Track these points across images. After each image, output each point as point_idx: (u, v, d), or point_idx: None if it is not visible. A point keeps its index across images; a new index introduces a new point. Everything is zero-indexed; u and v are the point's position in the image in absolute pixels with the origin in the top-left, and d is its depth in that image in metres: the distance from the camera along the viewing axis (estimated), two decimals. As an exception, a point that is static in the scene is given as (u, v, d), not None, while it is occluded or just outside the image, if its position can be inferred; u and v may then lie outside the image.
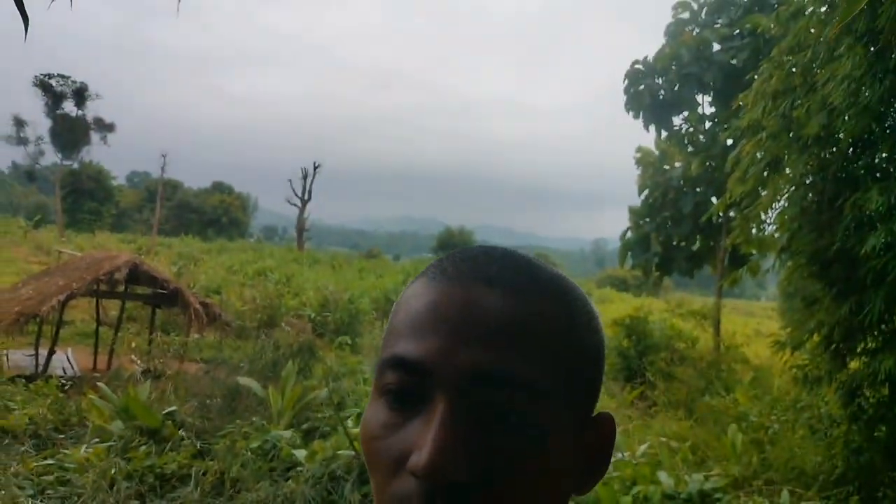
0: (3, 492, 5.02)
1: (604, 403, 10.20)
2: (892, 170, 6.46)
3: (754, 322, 23.05)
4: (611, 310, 20.76)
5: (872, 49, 5.50)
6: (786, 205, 7.40)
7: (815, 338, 6.88)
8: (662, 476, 5.48)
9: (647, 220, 15.85)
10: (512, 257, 0.62)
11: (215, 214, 53.18)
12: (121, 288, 12.33)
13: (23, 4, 1.05)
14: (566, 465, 0.58)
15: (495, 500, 0.54)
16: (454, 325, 0.56)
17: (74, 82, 45.51)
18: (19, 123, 46.29)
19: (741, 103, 7.71)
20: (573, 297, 0.62)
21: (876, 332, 6.42)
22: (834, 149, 6.73)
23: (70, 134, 44.89)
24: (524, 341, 0.56)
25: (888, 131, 6.40)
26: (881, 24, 5.26)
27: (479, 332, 0.56)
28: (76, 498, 5.17)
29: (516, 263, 0.61)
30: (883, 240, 5.58)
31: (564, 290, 0.62)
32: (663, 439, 7.74)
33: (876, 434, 6.53)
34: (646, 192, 15.87)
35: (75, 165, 47.85)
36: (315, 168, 44.01)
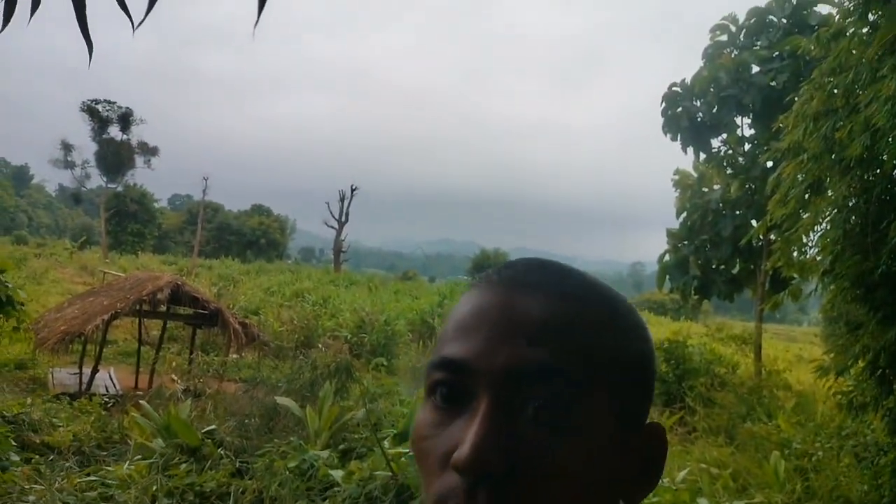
0: (47, 507, 5.12)
1: (642, 428, 10.06)
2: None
3: (796, 347, 22.59)
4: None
5: (916, 69, 5.42)
6: (828, 227, 7.29)
7: (860, 363, 6.73)
8: (703, 503, 5.39)
9: (686, 242, 15.70)
10: (555, 265, 0.65)
11: (254, 236, 53.91)
12: (163, 308, 12.56)
13: (88, 32, 1.12)
14: (607, 465, 0.59)
15: (535, 493, 0.55)
16: (494, 325, 0.59)
17: (120, 108, 46.77)
18: (67, 147, 47.70)
19: (781, 125, 7.64)
20: (617, 304, 0.64)
21: (923, 358, 6.26)
22: (878, 171, 6.63)
23: (115, 158, 46.05)
24: (562, 340, 0.58)
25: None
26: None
27: (518, 331, 0.59)
28: (118, 514, 5.25)
29: (558, 270, 0.64)
30: (929, 263, 5.48)
31: (607, 297, 0.64)
32: (703, 465, 7.61)
33: (924, 462, 6.36)
34: (684, 214, 15.73)
35: (119, 188, 49.01)
36: (353, 191, 44.48)
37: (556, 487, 0.56)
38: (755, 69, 14.36)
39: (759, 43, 14.69)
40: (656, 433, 0.65)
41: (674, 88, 15.34)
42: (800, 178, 7.20)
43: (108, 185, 48.27)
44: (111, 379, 12.28)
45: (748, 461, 8.10)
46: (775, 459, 7.40)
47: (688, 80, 15.19)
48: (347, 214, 44.51)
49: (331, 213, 44.16)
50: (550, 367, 0.57)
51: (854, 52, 6.30)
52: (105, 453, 7.69)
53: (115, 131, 46.85)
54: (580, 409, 0.57)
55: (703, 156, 15.30)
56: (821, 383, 7.83)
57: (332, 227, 44.32)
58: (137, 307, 11.88)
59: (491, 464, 0.54)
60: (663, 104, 15.35)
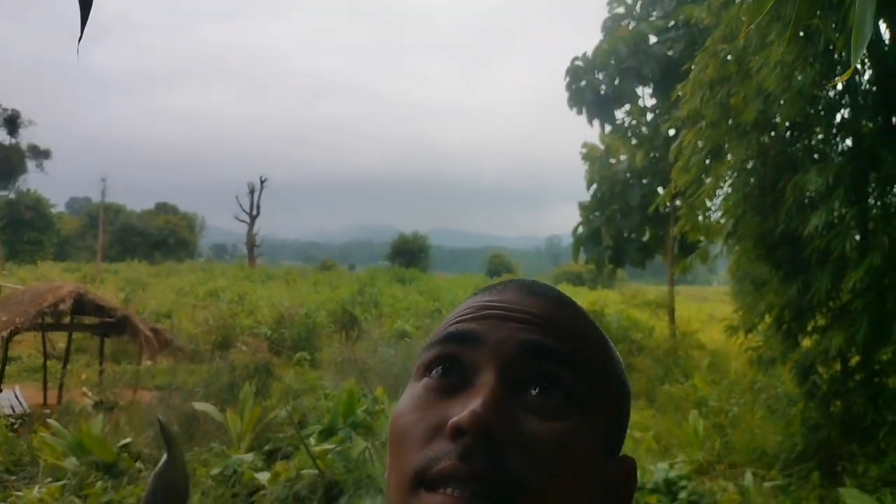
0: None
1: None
2: (828, 151, 6.63)
3: (708, 307, 23.48)
4: (567, 305, 20.90)
5: (802, 34, 5.62)
6: (729, 191, 7.54)
7: (767, 319, 7.02)
8: (628, 468, 5.50)
9: (597, 213, 16.04)
10: (555, 288, 0.67)
11: (161, 236, 52.04)
12: (66, 319, 11.97)
13: None
14: (590, 484, 0.58)
15: (528, 467, 0.53)
16: (502, 312, 0.61)
17: (6, 110, 44.18)
18: (-51, 156, 44.76)
19: (680, 94, 7.83)
20: (604, 335, 0.66)
21: (824, 310, 6.57)
22: (772, 133, 6.89)
23: (4, 163, 43.56)
24: (564, 333, 0.60)
25: (822, 113, 6.57)
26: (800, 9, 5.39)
27: (526, 317, 0.60)
28: (31, 542, 4.96)
29: (559, 292, 0.67)
30: (824, 219, 5.72)
31: (598, 327, 0.66)
32: (627, 431, 7.81)
33: (831, 410, 6.68)
34: (594, 186, 16.05)
35: (12, 195, 46.43)
36: (262, 182, 43.52)
37: (556, 471, 0.54)
38: (653, 39, 14.72)
39: (654, 13, 15.05)
40: (629, 466, 0.63)
41: (576, 62, 15.57)
42: (700, 145, 7.40)
43: (0, 193, 45.68)
44: (17, 397, 11.61)
45: (669, 422, 8.36)
46: (694, 418, 7.65)
47: (589, 54, 15.43)
48: (259, 207, 43.58)
49: (241, 206, 43.15)
50: (559, 352, 0.58)
51: (743, 18, 6.48)
52: (14, 477, 7.25)
53: (1, 135, 44.30)
54: (578, 405, 0.57)
55: (608, 128, 15.62)
56: (733, 341, 8.14)
57: (244, 222, 43.31)
58: (39, 320, 11.26)
59: (495, 427, 0.53)
60: (567, 78, 15.57)
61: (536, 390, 0.57)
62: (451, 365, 0.59)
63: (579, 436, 0.57)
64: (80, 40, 0.64)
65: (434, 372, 0.59)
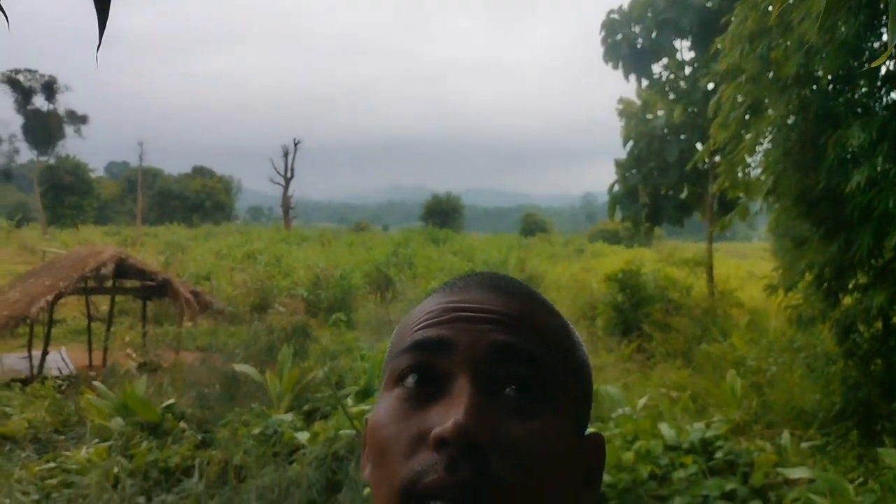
0: (8, 499, 5.00)
1: (602, 359, 10.24)
2: (872, 105, 6.41)
3: (748, 264, 23.14)
4: (604, 263, 20.77)
5: (847, -18, 5.40)
6: (769, 147, 7.36)
7: (807, 277, 6.89)
8: (664, 428, 5.50)
9: (634, 171, 15.78)
10: (517, 280, 0.68)
11: (198, 199, 52.72)
12: (109, 283, 12.25)
13: None
14: (567, 466, 0.59)
15: (512, 468, 0.54)
16: (469, 315, 0.61)
17: (43, 76, 44.79)
18: (-9, 123, 45.63)
19: (719, 47, 7.61)
20: (567, 321, 0.67)
21: (866, 268, 6.42)
22: (814, 87, 6.67)
23: (43, 129, 44.29)
24: (532, 331, 0.61)
25: (866, 66, 6.33)
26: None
27: (493, 317, 0.61)
28: (81, 500, 5.15)
29: (519, 283, 0.67)
30: (867, 176, 5.55)
31: (559, 313, 0.67)
32: (663, 390, 7.79)
33: (872, 369, 6.58)
34: (630, 143, 15.78)
35: (52, 161, 47.27)
36: (296, 145, 43.65)
37: (540, 471, 0.56)
38: (690, -10, 14.27)
39: (691, -36, 14.57)
40: (597, 442, 0.66)
41: (612, 16, 15.19)
42: (739, 100, 7.22)
43: (40, 159, 46.52)
44: (63, 360, 11.98)
45: (706, 382, 8.31)
46: (731, 378, 7.59)
47: (625, 7, 15.05)
48: (293, 170, 43.77)
49: (275, 169, 43.38)
50: (526, 347, 0.59)
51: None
52: (63, 438, 7.51)
53: (40, 101, 44.97)
54: (553, 398, 0.59)
55: (645, 82, 15.28)
56: (772, 300, 8.03)
57: (279, 184, 43.59)
58: (83, 284, 11.54)
59: (478, 434, 0.53)
60: (603, 32, 15.21)
61: (511, 390, 0.58)
62: (424, 373, 0.59)
63: (557, 430, 0.58)
64: (98, 48, 0.64)
65: (407, 381, 0.59)
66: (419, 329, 0.61)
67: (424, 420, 0.56)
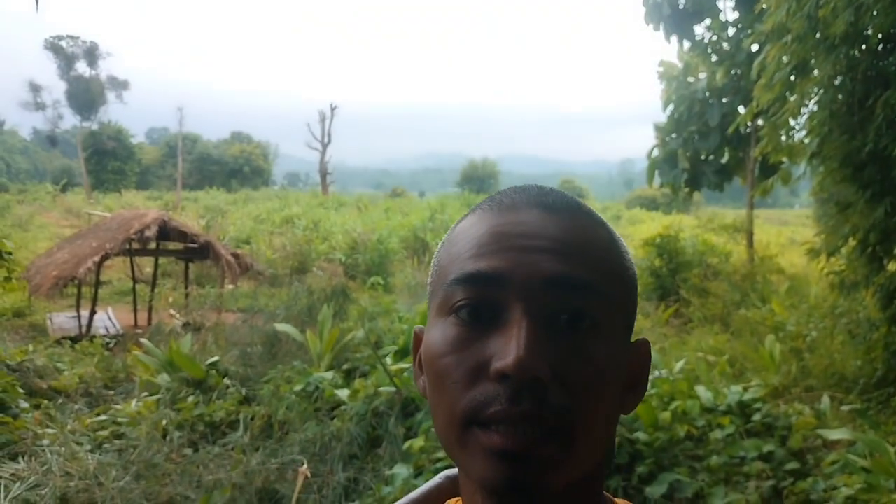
0: (63, 448, 5.21)
1: (639, 324, 10.21)
2: (925, 64, 6.23)
3: (788, 231, 22.78)
4: (641, 230, 20.61)
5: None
6: (815, 109, 7.20)
7: (851, 242, 6.78)
8: (700, 390, 5.50)
9: (674, 135, 15.54)
10: (561, 192, 0.68)
11: (237, 165, 53.27)
12: (152, 245, 12.53)
13: None
14: (620, 376, 0.63)
15: (571, 397, 0.58)
16: (521, 242, 0.61)
17: (84, 42, 45.37)
18: (35, 89, 46.44)
19: (764, 6, 7.42)
20: (613, 230, 0.68)
21: (913, 233, 6.30)
22: (863, 46, 6.49)
23: (86, 95, 44.99)
24: (585, 255, 0.62)
25: (920, 23, 6.14)
26: None
27: (546, 245, 0.61)
28: (132, 449, 5.35)
29: (565, 195, 0.67)
30: (918, 137, 5.43)
31: (606, 224, 0.68)
32: (700, 354, 7.77)
33: (917, 335, 6.48)
34: (671, 107, 15.52)
35: (95, 126, 48.05)
36: (332, 110, 43.72)
37: (593, 393, 0.59)
38: (735, -51, 13.87)
39: (737, -80, 14.13)
40: (645, 348, 0.69)
41: (653, -24, 14.85)
42: (784, 60, 7.05)
43: (83, 124, 47.32)
44: (110, 319, 12.34)
45: (744, 347, 8.26)
46: (770, 343, 7.53)
47: (667, -33, 14.69)
48: (330, 135, 43.91)
49: (313, 134, 43.55)
50: (581, 277, 0.60)
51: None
52: (112, 392, 7.79)
53: (82, 67, 45.61)
54: (605, 320, 0.61)
55: (687, 44, 14.97)
56: (813, 265, 7.91)
57: (316, 150, 43.79)
58: (127, 246, 11.83)
59: (537, 369, 0.56)
60: (643, -7, 14.89)
61: (565, 319, 0.59)
62: (478, 305, 0.60)
63: (608, 351, 0.61)
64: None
65: (462, 312, 0.61)
66: (470, 258, 0.62)
67: (483, 350, 0.58)
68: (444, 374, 0.60)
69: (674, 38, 14.82)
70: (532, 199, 0.65)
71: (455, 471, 0.80)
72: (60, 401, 7.15)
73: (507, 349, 0.56)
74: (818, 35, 6.58)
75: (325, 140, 43.65)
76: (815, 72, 6.93)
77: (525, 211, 0.63)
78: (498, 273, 0.60)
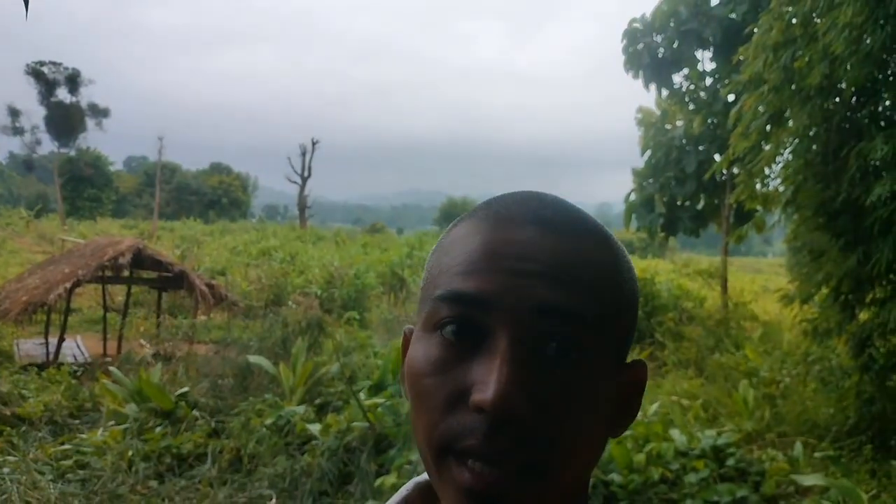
0: (24, 477, 5.06)
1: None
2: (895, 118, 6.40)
3: (762, 279, 23.02)
4: (616, 273, 20.65)
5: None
6: (790, 158, 7.34)
7: (824, 290, 6.87)
8: (675, 433, 5.50)
9: (651, 180, 15.75)
10: (562, 203, 0.63)
11: (215, 196, 53.06)
12: (126, 273, 12.35)
13: None
14: (608, 405, 0.60)
15: (552, 432, 0.55)
16: (513, 264, 0.57)
17: (67, 69, 45.25)
18: (14, 113, 46.08)
19: (741, 57, 7.60)
20: (616, 246, 0.64)
21: (884, 282, 6.41)
22: (837, 99, 6.66)
23: (65, 121, 44.71)
24: (579, 280, 0.58)
25: (891, 78, 6.33)
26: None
27: (538, 269, 0.57)
28: (96, 480, 5.22)
29: (567, 208, 0.63)
30: (889, 189, 5.55)
31: (609, 238, 0.64)
32: (674, 398, 7.77)
33: (887, 384, 6.55)
34: (648, 152, 15.76)
35: (72, 153, 47.69)
36: (314, 144, 43.83)
37: (571, 425, 0.56)
38: (715, 1, 14.26)
39: (716, -25, 14.54)
40: (640, 369, 0.65)
41: (634, 24, 15.19)
42: (761, 110, 7.20)
43: (61, 150, 46.95)
44: (79, 347, 12.11)
45: (718, 391, 8.28)
46: (744, 388, 7.57)
47: (648, 16, 15.05)
48: (310, 169, 43.93)
49: (293, 168, 43.56)
50: (570, 305, 0.57)
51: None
52: (78, 421, 7.60)
53: (63, 94, 45.43)
54: (594, 349, 0.58)
55: (665, 92, 15.27)
56: (786, 312, 8.00)
57: (296, 183, 43.76)
58: (100, 273, 11.66)
59: (517, 405, 0.53)
60: (624, 41, 15.20)
61: (553, 349, 0.56)
62: (463, 325, 0.57)
63: (598, 386, 0.58)
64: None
65: (446, 330, 0.58)
66: (459, 274, 0.59)
67: (464, 375, 0.56)
68: (424, 396, 0.58)
69: (652, 86, 15.13)
70: (530, 213, 0.60)
71: (423, 478, 0.78)
72: (24, 428, 6.96)
73: (488, 381, 0.53)
74: (794, 86, 6.75)
75: (305, 174, 43.66)
76: (791, 122, 7.09)
77: (521, 227, 0.59)
78: (486, 295, 0.57)
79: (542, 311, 0.56)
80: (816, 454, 6.00)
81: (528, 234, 0.59)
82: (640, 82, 15.14)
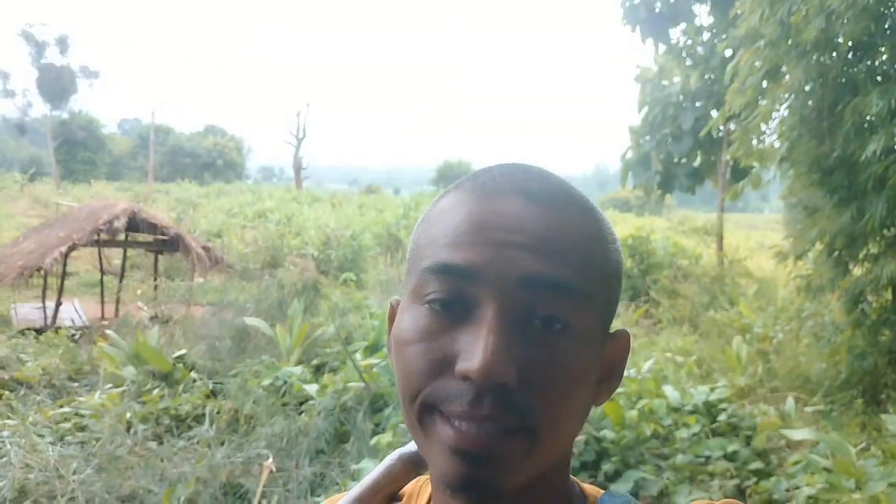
0: (23, 440, 5.11)
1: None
2: (892, 72, 6.34)
3: (758, 235, 23.05)
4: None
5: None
6: (785, 114, 7.29)
7: (818, 246, 6.89)
8: (668, 389, 5.55)
9: (648, 138, 15.67)
10: (547, 174, 0.64)
11: (210, 158, 52.74)
12: (121, 236, 12.34)
13: None
14: (593, 373, 0.62)
15: (537, 399, 0.56)
16: (499, 235, 0.58)
17: (55, 30, 44.62)
18: (4, 76, 45.58)
19: (738, 11, 7.50)
20: (600, 216, 0.65)
21: (878, 238, 6.42)
22: (833, 53, 6.59)
23: (57, 83, 44.24)
24: (564, 251, 0.59)
25: (888, 33, 6.25)
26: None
27: (524, 240, 0.58)
28: (95, 442, 5.26)
29: (552, 180, 0.63)
30: (883, 144, 5.52)
31: (593, 209, 0.64)
32: (668, 355, 7.84)
33: (879, 338, 6.59)
34: (645, 109, 15.65)
35: (65, 116, 47.28)
36: (307, 106, 43.50)
37: (556, 393, 0.57)
38: (711, -45, 14.02)
39: (714, -73, 14.27)
40: (623, 338, 0.67)
41: (630, -22, 14.96)
42: (757, 65, 7.13)
43: (53, 113, 46.54)
44: (76, 310, 12.14)
45: (711, 348, 8.35)
46: (737, 344, 7.62)
47: (644, -30, 14.81)
48: (304, 130, 43.69)
49: (288, 130, 43.28)
50: (558, 276, 0.58)
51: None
52: (76, 385, 7.65)
53: (54, 55, 44.89)
54: (580, 319, 0.59)
55: (662, 47, 15.10)
56: (781, 268, 8.03)
57: (291, 144, 43.53)
58: (95, 237, 11.65)
59: (503, 375, 0.55)
60: (621, -5, 14.99)
61: (539, 319, 0.57)
62: (450, 297, 0.58)
63: (583, 355, 0.59)
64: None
65: (433, 303, 0.59)
66: (446, 245, 0.59)
67: (451, 344, 0.57)
68: (409, 362, 0.59)
69: (650, 42, 14.96)
70: (515, 184, 0.61)
71: (407, 449, 0.79)
72: (22, 392, 7.01)
73: (474, 350, 0.55)
74: (790, 41, 6.67)
75: (300, 135, 43.42)
76: (787, 77, 7.02)
77: (506, 199, 0.60)
78: (473, 267, 0.57)
79: (529, 282, 0.57)
80: (808, 409, 6.07)
81: (514, 206, 0.60)
82: (638, 38, 14.98)
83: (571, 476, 0.69)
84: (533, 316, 0.57)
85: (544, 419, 0.57)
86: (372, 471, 0.80)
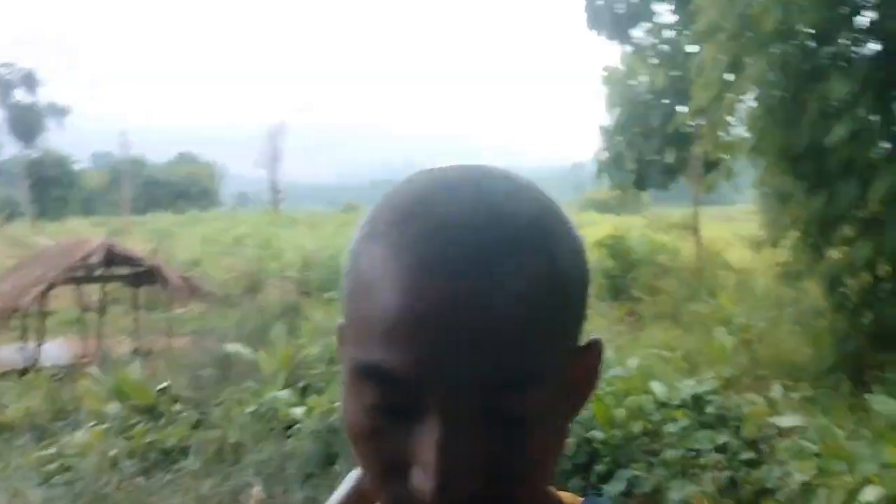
0: (6, 483, 5.02)
1: (594, 324, 10.29)
2: (854, 57, 6.43)
3: (734, 226, 23.19)
4: (593, 233, 20.76)
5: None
6: (752, 105, 7.37)
7: (793, 233, 6.95)
8: (655, 385, 5.55)
9: (619, 138, 15.78)
10: (489, 203, 0.52)
11: (184, 186, 52.47)
12: (98, 272, 12.21)
13: None
14: (563, 411, 0.56)
15: (508, 486, 0.52)
16: (439, 329, 0.49)
17: (21, 69, 44.35)
18: (-28, 118, 45.15)
19: (698, 6, 7.59)
20: (556, 238, 0.54)
21: (851, 221, 6.48)
22: (794, 42, 6.67)
23: (25, 122, 43.90)
24: (517, 332, 0.50)
25: (847, 17, 6.35)
26: None
27: (468, 335, 0.49)
28: (81, 481, 5.18)
29: (495, 212, 0.52)
30: (849, 128, 5.59)
31: (546, 234, 0.54)
32: (654, 350, 7.84)
33: (861, 321, 6.65)
34: (615, 109, 15.77)
35: (36, 155, 46.89)
36: (281, 127, 43.43)
37: (533, 472, 0.53)
38: (669, -47, 14.18)
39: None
40: (597, 350, 0.61)
41: (591, -18, 15.09)
42: (720, 59, 7.21)
43: (24, 152, 46.12)
44: (59, 349, 11.98)
45: (695, 341, 8.37)
46: (721, 335, 7.66)
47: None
48: (279, 152, 43.57)
49: (261, 153, 43.17)
50: (518, 375, 0.50)
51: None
52: (61, 424, 7.53)
53: (21, 94, 44.56)
54: (543, 401, 0.52)
55: (629, 48, 15.24)
56: (760, 258, 8.09)
57: (265, 169, 43.40)
58: (72, 274, 11.51)
59: (462, 490, 0.49)
60: (584, -1, 15.11)
61: (497, 416, 0.51)
62: (391, 404, 0.51)
63: (551, 423, 0.54)
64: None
65: (375, 391, 0.51)
66: (381, 337, 0.50)
67: (402, 446, 0.51)
68: (361, 458, 0.54)
69: (616, 43, 15.08)
70: (453, 248, 0.50)
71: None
72: (6, 436, 6.89)
73: (427, 462, 0.49)
74: (750, 33, 6.75)
75: (274, 158, 43.30)
76: (750, 68, 7.10)
77: (443, 276, 0.49)
78: (413, 374, 0.49)
79: (480, 385, 0.49)
80: (794, 395, 6.09)
81: (453, 288, 0.49)
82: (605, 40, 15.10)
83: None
84: (488, 413, 0.50)
85: (521, 490, 0.53)
86: (336, 490, 0.78)
